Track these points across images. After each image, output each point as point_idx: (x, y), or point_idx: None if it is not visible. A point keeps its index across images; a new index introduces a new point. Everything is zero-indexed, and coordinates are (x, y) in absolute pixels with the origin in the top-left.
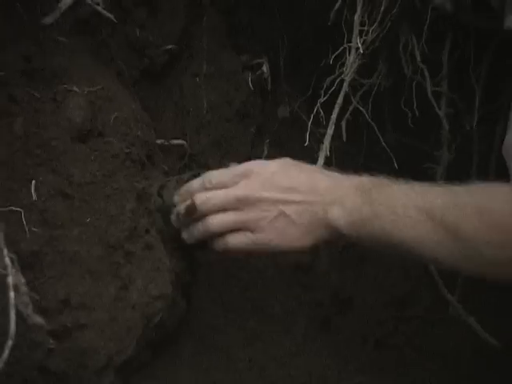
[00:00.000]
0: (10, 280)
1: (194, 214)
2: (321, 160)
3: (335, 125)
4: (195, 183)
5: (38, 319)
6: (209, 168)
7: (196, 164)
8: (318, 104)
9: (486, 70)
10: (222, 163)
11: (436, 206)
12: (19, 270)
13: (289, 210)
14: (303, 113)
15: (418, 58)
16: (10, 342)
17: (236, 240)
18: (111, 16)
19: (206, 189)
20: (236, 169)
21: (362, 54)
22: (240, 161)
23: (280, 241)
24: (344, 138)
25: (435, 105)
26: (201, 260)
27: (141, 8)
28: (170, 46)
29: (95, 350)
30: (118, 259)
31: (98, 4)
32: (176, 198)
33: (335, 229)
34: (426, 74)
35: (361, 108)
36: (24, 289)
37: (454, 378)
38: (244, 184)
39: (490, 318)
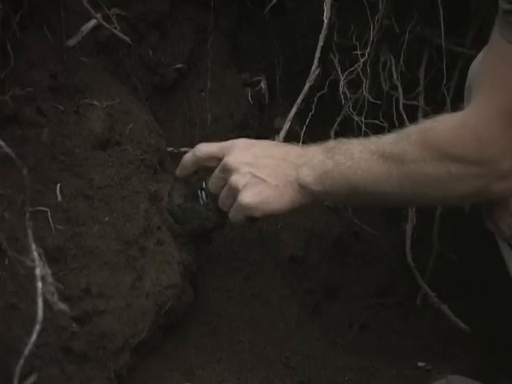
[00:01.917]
0: (38, 272)
1: None
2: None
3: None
4: (187, 156)
5: (63, 306)
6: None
7: (201, 169)
8: (309, 116)
9: (455, 85)
10: None
11: (386, 143)
12: (46, 263)
13: (261, 173)
14: (297, 124)
15: (394, 76)
16: (37, 327)
17: (232, 215)
18: (127, 39)
19: (196, 157)
20: (223, 143)
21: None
22: None
23: (259, 203)
24: None
25: (405, 118)
26: (206, 253)
27: (153, 31)
28: (179, 65)
29: (113, 334)
30: (133, 253)
31: (116, 28)
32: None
33: (306, 187)
34: (400, 89)
35: (356, 119)
36: (50, 279)
37: (429, 357)
38: (228, 154)
39: (461, 305)
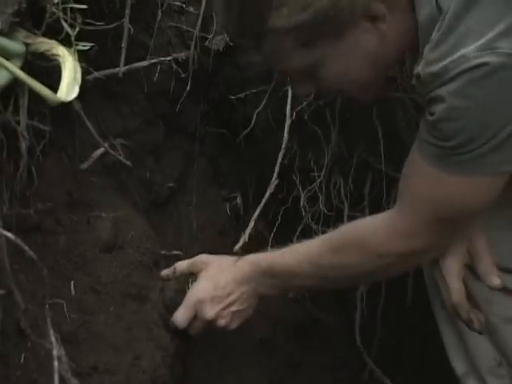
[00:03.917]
0: (55, 352)
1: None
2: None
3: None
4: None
5: (75, 381)
6: None
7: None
8: (276, 225)
9: (394, 202)
10: None
11: (321, 255)
12: (61, 345)
13: (235, 307)
14: (266, 232)
15: (342, 193)
16: None
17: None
18: (129, 163)
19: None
20: (187, 303)
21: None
22: None
23: (239, 322)
24: None
25: None
26: (193, 337)
27: (150, 157)
28: (170, 184)
29: None
30: (133, 337)
31: (120, 154)
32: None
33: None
34: (346, 204)
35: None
36: (65, 359)
37: None
38: (203, 313)
39: (400, 379)
